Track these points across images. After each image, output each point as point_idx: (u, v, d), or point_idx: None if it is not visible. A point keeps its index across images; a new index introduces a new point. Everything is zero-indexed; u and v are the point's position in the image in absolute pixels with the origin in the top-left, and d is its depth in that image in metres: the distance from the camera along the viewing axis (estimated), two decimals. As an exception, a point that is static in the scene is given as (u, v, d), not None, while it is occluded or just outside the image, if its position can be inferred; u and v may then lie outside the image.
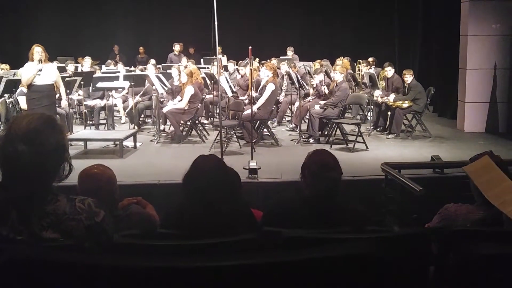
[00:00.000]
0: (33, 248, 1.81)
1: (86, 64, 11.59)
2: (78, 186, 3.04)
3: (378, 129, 9.93)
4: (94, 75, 10.35)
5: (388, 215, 5.04)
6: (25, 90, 7.93)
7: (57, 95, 8.48)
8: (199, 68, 11.91)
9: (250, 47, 7.59)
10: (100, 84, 9.79)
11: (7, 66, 11.67)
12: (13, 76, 9.91)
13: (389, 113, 9.57)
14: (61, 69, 11.65)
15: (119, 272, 1.61)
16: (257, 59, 12.60)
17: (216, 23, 6.69)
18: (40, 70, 7.47)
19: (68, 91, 9.30)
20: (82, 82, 9.67)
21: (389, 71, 10.03)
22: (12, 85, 9.15)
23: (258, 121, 9.03)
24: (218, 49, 7.10)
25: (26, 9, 15.69)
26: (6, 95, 9.57)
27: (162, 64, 13.15)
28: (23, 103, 8.45)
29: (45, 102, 7.62)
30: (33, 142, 1.90)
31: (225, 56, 13.76)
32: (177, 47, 14.72)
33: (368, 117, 10.52)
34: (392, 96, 9.48)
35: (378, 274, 1.82)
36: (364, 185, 6.11)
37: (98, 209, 2.01)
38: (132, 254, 2.06)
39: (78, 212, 1.95)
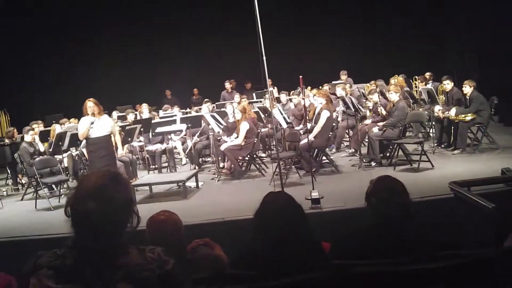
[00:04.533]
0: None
1: (144, 111, 11.96)
2: (147, 233, 3.11)
3: (443, 146, 9.63)
4: (153, 121, 10.64)
5: (461, 236, 4.84)
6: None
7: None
8: (251, 102, 12.05)
9: (301, 76, 7.61)
10: (159, 129, 10.06)
11: (76, 120, 12.17)
12: (76, 130, 10.35)
13: (452, 127, 9.29)
14: (122, 118, 12.09)
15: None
16: (309, 87, 12.60)
17: (264, 57, 6.76)
18: (92, 123, 7.75)
19: (129, 138, 9.61)
20: (142, 129, 9.95)
21: (448, 85, 9.78)
22: (76, 139, 9.54)
23: (316, 150, 8.97)
24: (268, 81, 7.15)
25: (80, 62, 16.40)
26: (72, 149, 10.00)
27: (216, 103, 13.38)
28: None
29: (103, 153, 7.87)
30: (101, 198, 1.97)
31: (275, 88, 13.86)
32: (227, 85, 14.97)
33: (431, 134, 10.25)
34: (453, 110, 9.20)
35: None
36: (433, 205, 5.91)
37: (168, 257, 2.04)
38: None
39: (149, 262, 1.99)
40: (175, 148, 10.94)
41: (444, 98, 10.33)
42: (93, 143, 7.86)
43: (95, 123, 7.77)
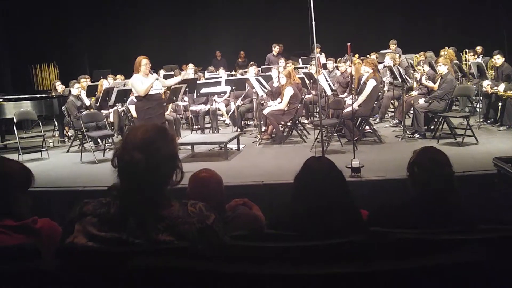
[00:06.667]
0: (154, 255, 1.92)
1: (190, 71, 12.02)
2: (188, 189, 3.17)
3: (489, 121, 9.42)
4: (198, 82, 10.72)
5: (503, 212, 4.77)
6: (135, 99, 8.24)
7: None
8: (297, 68, 11.94)
9: (349, 44, 7.49)
10: (203, 90, 10.13)
11: (122, 77, 12.37)
12: (124, 86, 10.54)
13: (500, 103, 9.04)
14: (168, 77, 12.19)
15: (231, 278, 1.67)
16: (356, 55, 12.40)
17: (313, 22, 6.67)
18: (157, 79, 7.77)
19: (174, 98, 9.72)
20: (187, 89, 10.05)
21: (498, 60, 9.49)
22: (123, 95, 9.73)
23: (360, 118, 8.89)
24: (317, 48, 7.06)
25: (129, 21, 16.55)
26: (119, 105, 10.21)
27: (262, 67, 13.33)
28: (134, 111, 8.88)
29: (160, 110, 7.93)
30: (148, 150, 2.02)
31: (323, 54, 13.68)
32: (276, 48, 14.84)
33: (477, 109, 10.00)
34: (502, 86, 8.93)
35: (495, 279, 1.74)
36: (476, 180, 5.81)
37: (209, 213, 2.09)
38: (242, 256, 2.11)
39: (190, 216, 2.04)
40: (219, 109, 11.02)
41: (493, 73, 10.03)
42: (153, 100, 7.76)
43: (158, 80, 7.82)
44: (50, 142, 10.36)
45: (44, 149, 9.32)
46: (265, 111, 9.23)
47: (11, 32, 14.97)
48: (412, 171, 2.95)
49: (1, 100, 10.16)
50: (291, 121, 9.27)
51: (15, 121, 9.40)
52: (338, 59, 11.62)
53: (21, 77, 15.71)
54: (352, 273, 1.62)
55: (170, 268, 1.70)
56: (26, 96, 11.00)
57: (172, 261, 1.74)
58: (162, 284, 1.70)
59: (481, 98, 9.71)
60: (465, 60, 12.32)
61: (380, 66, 10.92)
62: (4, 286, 1.96)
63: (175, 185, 2.12)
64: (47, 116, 11.36)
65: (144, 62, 7.67)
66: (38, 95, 11.44)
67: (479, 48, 12.12)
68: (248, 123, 11.43)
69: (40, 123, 9.95)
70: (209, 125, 10.68)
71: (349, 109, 8.11)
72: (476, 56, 11.73)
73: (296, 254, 2.21)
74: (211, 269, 1.69)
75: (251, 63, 11.87)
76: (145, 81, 7.65)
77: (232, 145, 8.73)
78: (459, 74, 10.79)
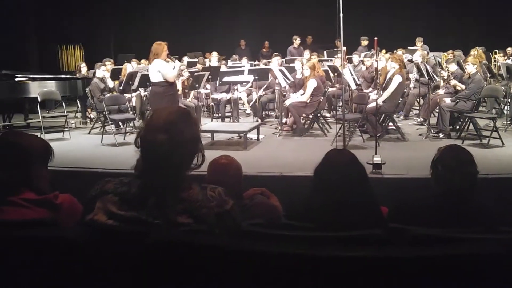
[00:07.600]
0: (172, 231, 1.91)
1: (213, 59, 11.99)
2: (208, 175, 3.15)
3: (516, 124, 9.22)
4: (221, 70, 10.69)
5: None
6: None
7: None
8: (321, 60, 11.84)
9: (376, 38, 7.39)
10: (226, 78, 10.09)
11: (146, 62, 12.38)
12: (147, 71, 10.53)
13: (528, 106, 8.86)
14: (192, 64, 12.20)
15: (246, 256, 1.65)
16: (383, 50, 12.23)
17: (341, 15, 6.58)
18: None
19: (197, 85, 9.71)
20: (209, 77, 10.01)
21: (529, 62, 9.29)
22: (146, 80, 9.70)
23: (383, 115, 8.78)
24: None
25: (155, 7, 16.57)
26: (141, 89, 10.22)
27: (285, 58, 13.25)
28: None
29: (178, 97, 7.93)
30: (171, 132, 2.02)
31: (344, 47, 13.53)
32: (298, 41, 14.73)
33: (505, 111, 9.81)
34: (532, 89, 8.75)
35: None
36: (500, 183, 5.69)
37: (228, 198, 2.08)
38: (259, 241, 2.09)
39: (209, 200, 2.04)
40: (240, 99, 10.99)
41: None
42: (173, 86, 7.71)
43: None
44: (72, 123, 10.44)
45: (66, 129, 9.40)
46: (287, 103, 9.16)
47: (39, 13, 15.08)
48: (436, 168, 2.90)
49: (26, 79, 10.25)
50: (312, 114, 9.19)
51: (39, 100, 9.49)
52: (364, 54, 11.49)
53: (48, 57, 15.84)
54: (365, 258, 1.62)
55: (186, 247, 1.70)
56: (51, 76, 11.08)
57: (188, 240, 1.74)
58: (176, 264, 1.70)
59: (509, 100, 9.52)
60: (495, 61, 12.10)
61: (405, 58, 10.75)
62: (23, 256, 1.95)
63: (196, 168, 2.13)
64: (70, 97, 11.44)
65: (166, 48, 7.59)
66: (62, 76, 11.51)
67: (509, 49, 11.89)
68: (269, 113, 11.37)
69: (63, 104, 10.02)
70: (229, 114, 10.66)
71: (373, 104, 8.01)
72: (506, 57, 11.50)
73: (311, 243, 2.18)
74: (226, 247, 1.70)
75: (275, 53, 11.79)
76: (172, 66, 7.64)
77: (252, 135, 8.70)
78: (488, 74, 10.59)
